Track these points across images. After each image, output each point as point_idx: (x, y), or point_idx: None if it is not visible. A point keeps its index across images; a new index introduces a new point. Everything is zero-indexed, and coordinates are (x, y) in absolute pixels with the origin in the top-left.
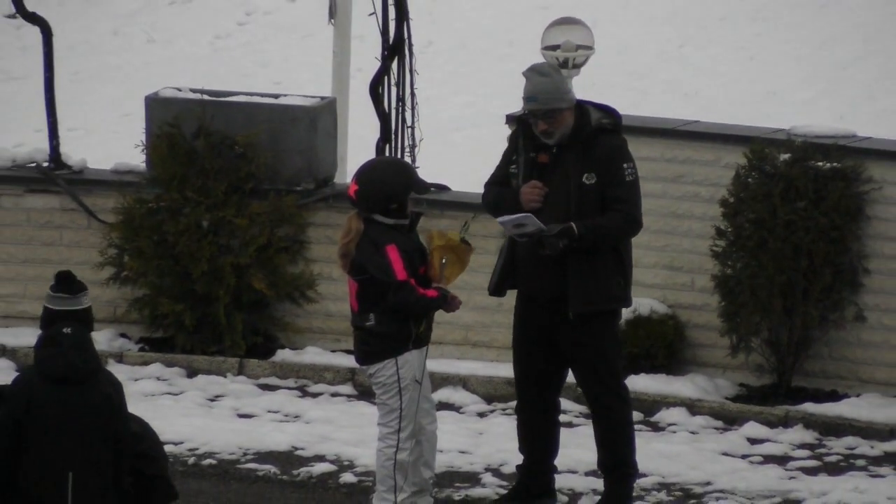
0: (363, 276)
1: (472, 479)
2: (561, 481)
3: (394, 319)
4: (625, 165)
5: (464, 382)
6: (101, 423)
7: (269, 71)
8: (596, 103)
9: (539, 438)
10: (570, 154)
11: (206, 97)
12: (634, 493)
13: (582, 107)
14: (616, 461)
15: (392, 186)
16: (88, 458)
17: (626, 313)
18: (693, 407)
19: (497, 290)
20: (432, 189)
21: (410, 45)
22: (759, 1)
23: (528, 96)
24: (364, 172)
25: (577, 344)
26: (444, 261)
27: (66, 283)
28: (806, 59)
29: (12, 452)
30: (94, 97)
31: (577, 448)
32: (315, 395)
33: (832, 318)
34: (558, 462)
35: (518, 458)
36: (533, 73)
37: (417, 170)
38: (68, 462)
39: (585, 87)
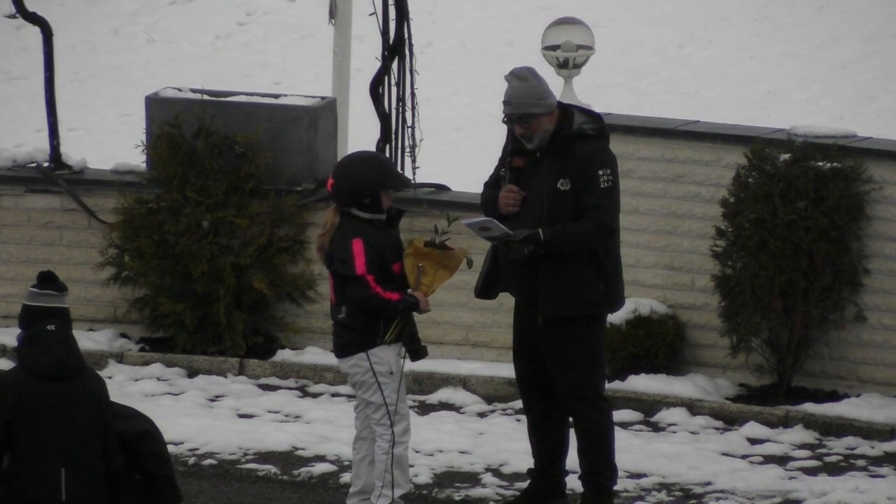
0: (334, 268)
1: (472, 479)
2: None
3: (360, 314)
4: (600, 172)
5: (464, 382)
6: (90, 418)
7: (269, 71)
8: (582, 108)
9: (546, 441)
10: (547, 159)
11: (206, 97)
12: (635, 494)
13: (567, 111)
14: (590, 469)
15: (364, 181)
16: (80, 453)
17: (625, 313)
18: (693, 407)
19: (483, 292)
20: (412, 185)
21: (410, 46)
22: (759, 1)
23: (504, 100)
24: (340, 167)
25: (552, 349)
26: (420, 267)
27: (52, 281)
28: (806, 59)
29: (1, 450)
30: (94, 97)
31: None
32: (315, 396)
33: (832, 318)
34: None
35: (520, 460)
36: (512, 77)
37: (417, 169)
38: (60, 458)
39: (586, 87)
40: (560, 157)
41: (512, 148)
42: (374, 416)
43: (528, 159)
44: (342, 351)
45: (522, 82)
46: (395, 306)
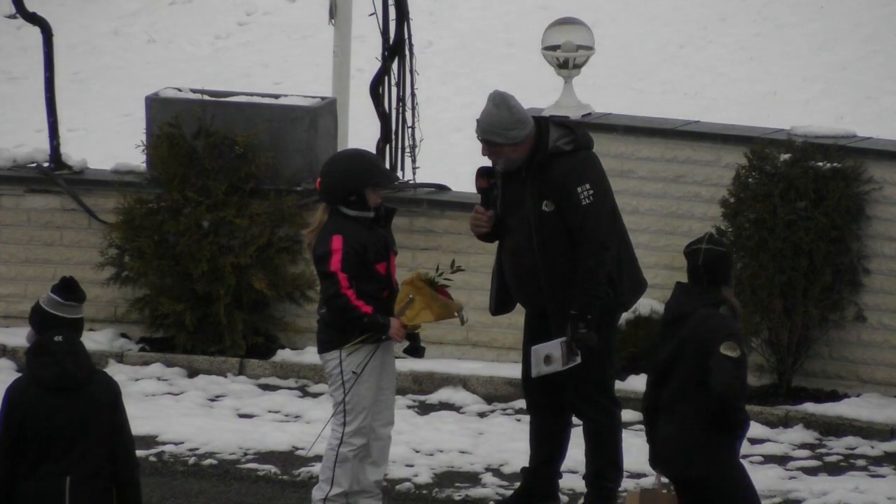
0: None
1: (473, 479)
2: (561, 482)
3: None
4: (578, 189)
5: (464, 382)
6: (97, 427)
7: (269, 71)
8: (559, 122)
9: (545, 441)
10: (529, 180)
11: (206, 97)
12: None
13: (542, 129)
14: (595, 471)
15: (348, 178)
16: (86, 461)
17: (625, 314)
18: None
19: (498, 309)
20: (399, 182)
21: (410, 46)
22: (759, 1)
23: (477, 118)
24: (326, 164)
25: None
26: (411, 298)
27: (73, 290)
28: (806, 59)
29: (11, 459)
30: (94, 97)
31: (578, 448)
32: (315, 395)
33: (832, 318)
34: None
35: (520, 460)
36: (489, 100)
37: (417, 169)
38: (66, 467)
39: (586, 87)
40: (539, 178)
41: (484, 167)
42: (334, 409)
43: (511, 179)
44: (321, 346)
45: (494, 109)
46: (360, 317)
